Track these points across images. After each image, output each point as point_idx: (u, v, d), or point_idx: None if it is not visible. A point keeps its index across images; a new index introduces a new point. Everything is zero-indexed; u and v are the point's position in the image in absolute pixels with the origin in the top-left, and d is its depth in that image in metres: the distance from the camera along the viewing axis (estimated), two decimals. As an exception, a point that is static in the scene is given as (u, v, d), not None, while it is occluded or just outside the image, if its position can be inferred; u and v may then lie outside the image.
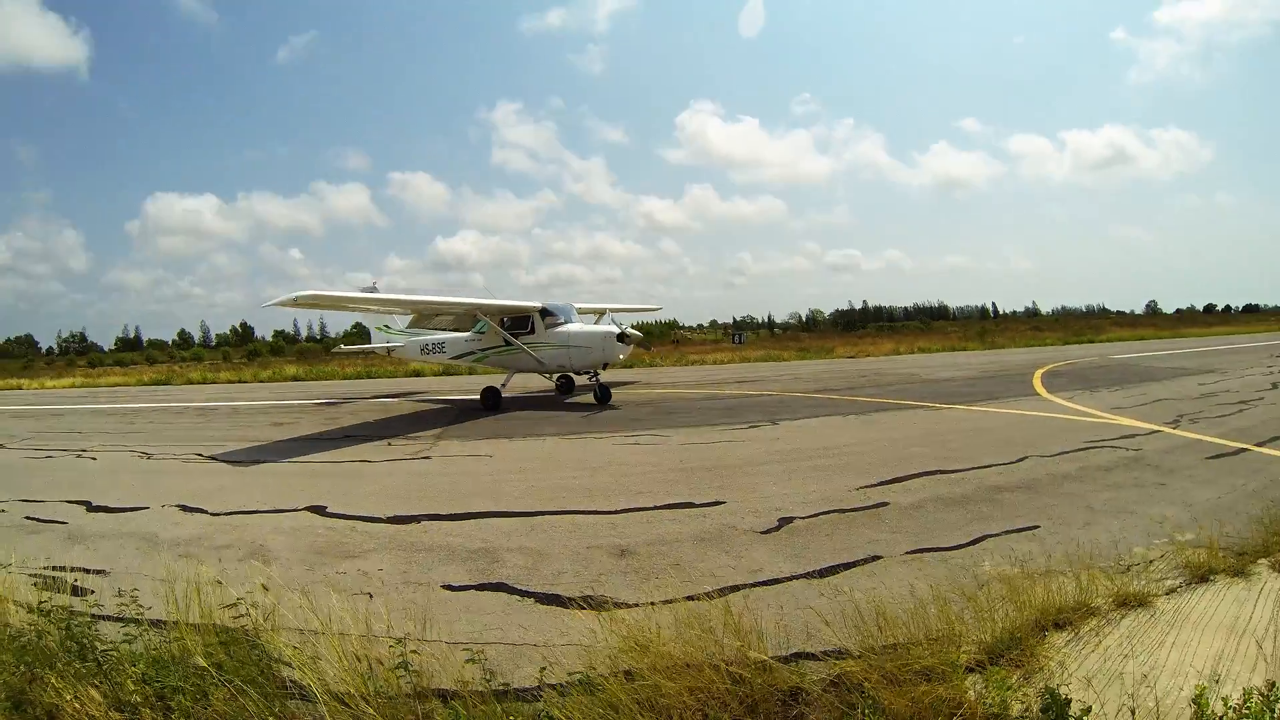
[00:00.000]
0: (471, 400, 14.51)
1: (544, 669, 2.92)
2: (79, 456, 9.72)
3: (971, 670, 2.82)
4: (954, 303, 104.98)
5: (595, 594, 3.99)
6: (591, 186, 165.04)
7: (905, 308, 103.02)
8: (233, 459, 8.95)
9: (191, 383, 26.51)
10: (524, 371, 14.47)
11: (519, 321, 14.16)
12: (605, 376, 14.55)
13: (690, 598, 3.50)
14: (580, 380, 15.46)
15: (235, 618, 3.23)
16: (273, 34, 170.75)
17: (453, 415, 12.92)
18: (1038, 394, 12.86)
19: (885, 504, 5.63)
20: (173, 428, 12.86)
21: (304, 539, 5.31)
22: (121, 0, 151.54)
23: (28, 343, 74.30)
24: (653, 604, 3.75)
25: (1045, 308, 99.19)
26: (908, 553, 4.52)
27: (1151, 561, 4.18)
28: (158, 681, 2.79)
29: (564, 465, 7.82)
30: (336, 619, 3.13)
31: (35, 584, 4.17)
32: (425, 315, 14.49)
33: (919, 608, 3.23)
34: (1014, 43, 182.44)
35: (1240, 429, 8.48)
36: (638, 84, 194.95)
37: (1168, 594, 3.67)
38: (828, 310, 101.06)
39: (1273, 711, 2.30)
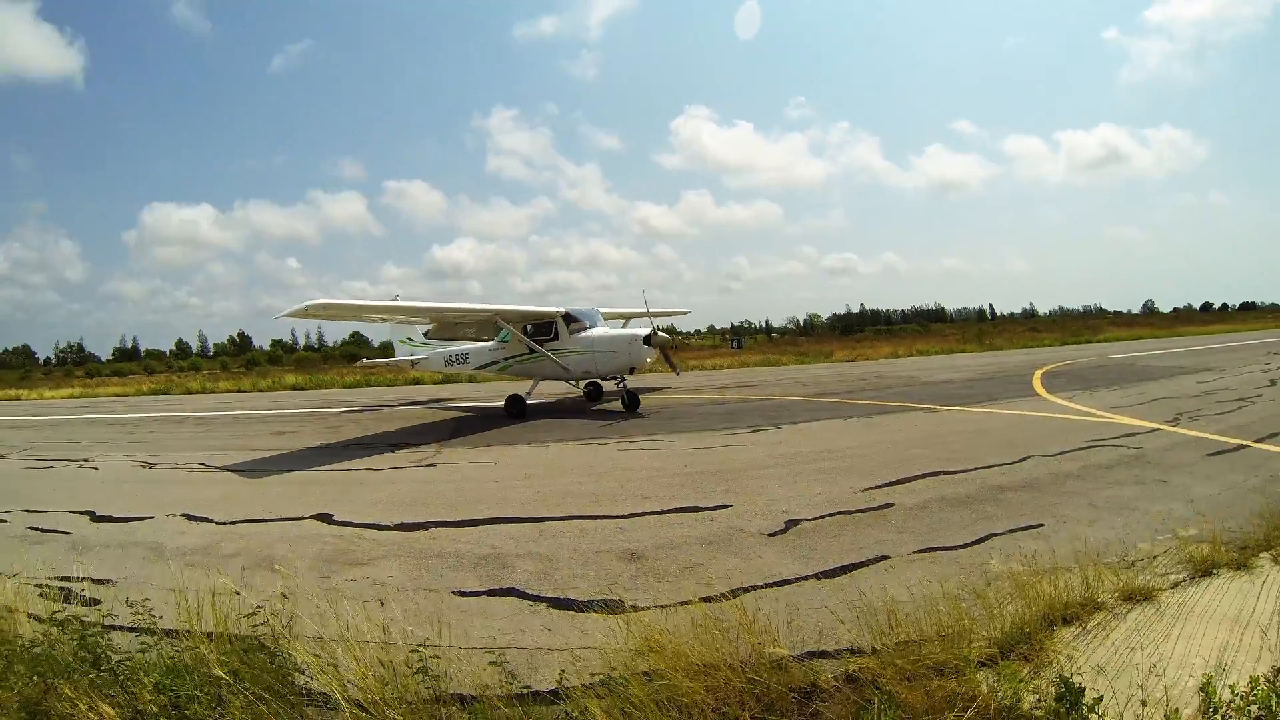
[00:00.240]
0: (495, 408, 14.33)
1: (563, 671, 2.94)
2: (81, 466, 9.71)
3: (983, 665, 2.85)
4: (951, 305, 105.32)
5: (607, 597, 4.01)
6: (587, 193, 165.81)
7: (903, 311, 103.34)
8: (237, 468, 8.96)
9: (191, 392, 26.53)
10: (549, 379, 13.99)
11: (542, 328, 13.75)
12: (636, 382, 13.95)
13: (703, 600, 3.53)
14: (608, 386, 14.90)
15: (254, 626, 3.24)
16: (268, 43, 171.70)
17: (458, 423, 12.94)
18: (1037, 394, 12.93)
19: (890, 505, 5.67)
20: (174, 437, 12.85)
21: (312, 547, 5.32)
22: (116, 10, 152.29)
23: (25, 353, 74.27)
24: (665, 606, 3.78)
25: (1042, 309, 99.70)
26: (915, 552, 4.56)
27: (1155, 557, 4.24)
28: (172, 690, 2.78)
29: (569, 471, 7.85)
30: (352, 626, 3.15)
31: (42, 594, 4.17)
32: (446, 324, 14.13)
33: (929, 605, 3.27)
34: (1007, 44, 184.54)
35: (1239, 426, 8.55)
36: (632, 90, 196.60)
37: (1172, 588, 3.72)
38: (825, 314, 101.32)
39: (1279, 697, 2.34)
